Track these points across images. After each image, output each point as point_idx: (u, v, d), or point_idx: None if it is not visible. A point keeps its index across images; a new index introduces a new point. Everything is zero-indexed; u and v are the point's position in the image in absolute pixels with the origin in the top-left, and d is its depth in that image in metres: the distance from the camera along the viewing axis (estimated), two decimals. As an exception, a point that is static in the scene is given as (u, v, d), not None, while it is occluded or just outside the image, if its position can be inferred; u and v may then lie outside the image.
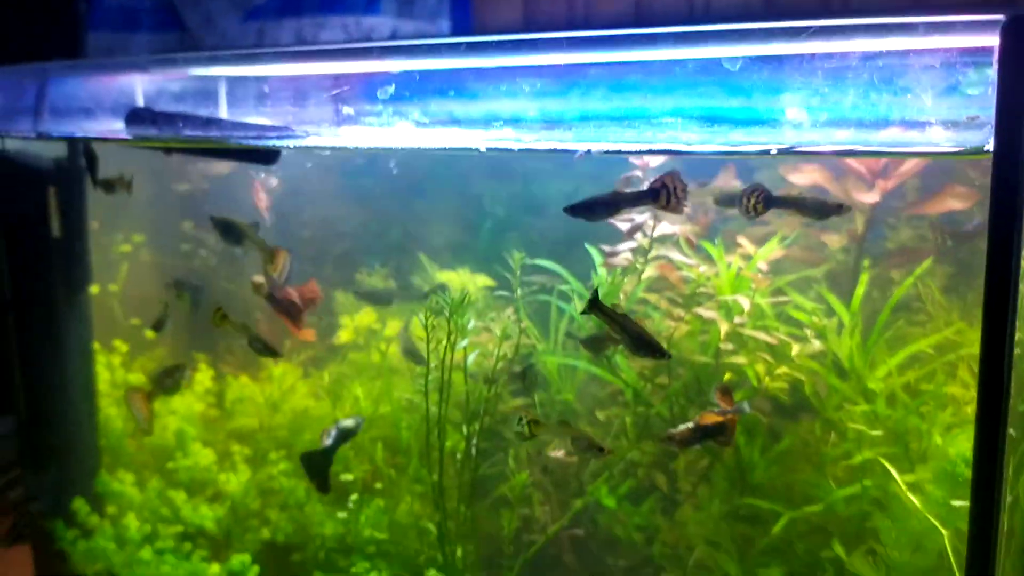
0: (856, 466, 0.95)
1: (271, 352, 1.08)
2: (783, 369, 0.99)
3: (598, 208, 0.90)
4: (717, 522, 1.07)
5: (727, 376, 1.03)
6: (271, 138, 0.98)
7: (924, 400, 0.95)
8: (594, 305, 0.87)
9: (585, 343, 1.04)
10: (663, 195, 0.89)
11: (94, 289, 1.35)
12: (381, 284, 1.31)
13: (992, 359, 0.70)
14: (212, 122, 1.00)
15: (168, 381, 1.19)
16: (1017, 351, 0.74)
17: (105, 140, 1.18)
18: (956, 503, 0.82)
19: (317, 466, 1.03)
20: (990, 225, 0.70)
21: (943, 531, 0.83)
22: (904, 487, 0.89)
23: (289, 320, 1.10)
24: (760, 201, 0.90)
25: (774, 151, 0.85)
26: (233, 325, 1.07)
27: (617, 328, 0.88)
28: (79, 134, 1.31)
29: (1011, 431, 0.75)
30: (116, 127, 1.25)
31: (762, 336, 1.00)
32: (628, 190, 0.93)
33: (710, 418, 0.91)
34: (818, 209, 0.91)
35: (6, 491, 1.98)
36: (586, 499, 1.10)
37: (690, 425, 0.92)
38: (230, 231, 1.14)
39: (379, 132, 0.97)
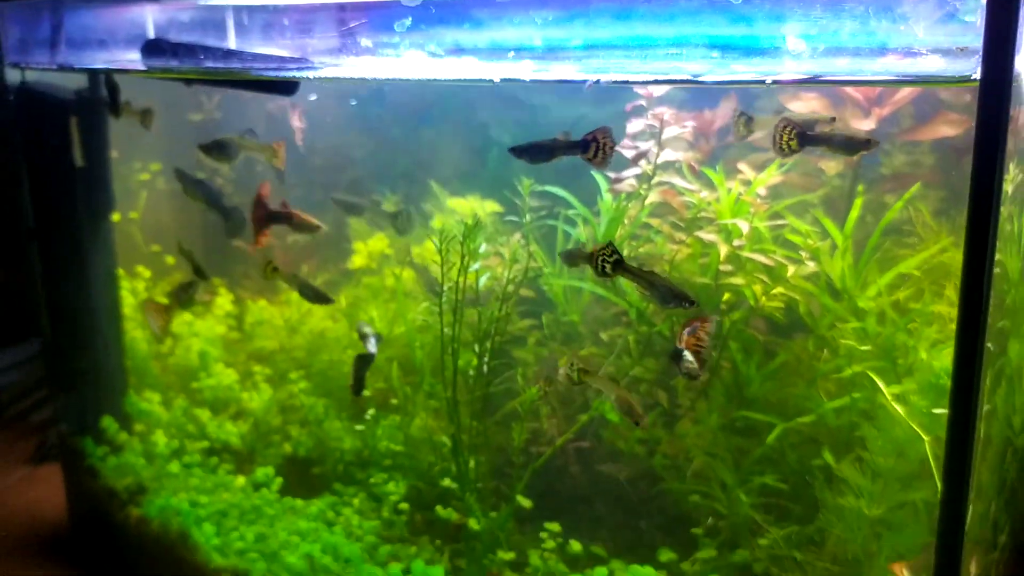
0: (846, 380, 1.01)
1: (323, 299, 1.12)
2: (779, 289, 1.04)
3: (537, 152, 0.98)
4: (715, 434, 1.13)
5: (726, 296, 1.08)
6: (291, 69, 1.02)
7: (912, 318, 1.00)
8: (619, 266, 0.92)
9: (562, 255, 1.07)
10: (592, 147, 0.94)
11: (115, 217, 1.39)
12: (392, 209, 1.35)
13: (973, 277, 0.75)
14: (232, 54, 1.04)
15: (183, 295, 1.24)
16: (997, 271, 0.79)
17: (127, 72, 1.21)
18: (937, 411, 0.88)
19: (363, 367, 1.09)
20: (975, 150, 0.74)
21: (925, 438, 0.89)
22: (890, 398, 0.95)
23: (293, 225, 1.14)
24: (793, 138, 0.94)
25: (769, 81, 0.89)
26: (283, 277, 1.11)
27: (645, 284, 0.93)
28: (96, 65, 1.35)
29: (989, 345, 0.81)
30: (131, 58, 1.29)
31: (759, 258, 1.04)
32: (565, 140, 0.97)
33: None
34: (848, 144, 0.94)
35: (31, 413, 2.06)
36: (591, 414, 1.16)
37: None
38: (223, 148, 1.18)
39: (395, 63, 1.01)
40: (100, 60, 1.37)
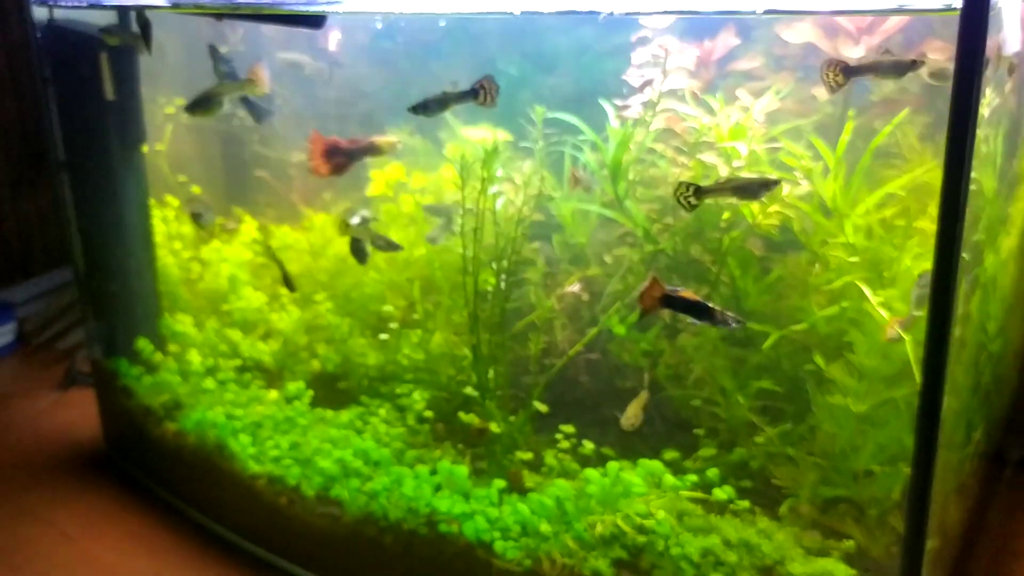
0: (836, 291, 1.10)
1: (393, 247, 1.21)
2: (775, 208, 1.12)
3: (432, 105, 1.10)
4: (715, 344, 1.23)
5: (726, 215, 1.16)
6: (319, 3, 1.08)
7: (897, 233, 1.08)
8: (700, 192, 1.01)
9: None
10: (481, 94, 1.09)
11: (143, 148, 1.46)
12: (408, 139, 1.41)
13: (950, 193, 0.83)
14: (268, -10, 1.11)
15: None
16: (973, 188, 0.87)
17: (155, 8, 1.27)
18: (917, 314, 0.96)
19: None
20: (955, 78, 0.82)
21: (906, 338, 0.98)
22: (876, 306, 1.04)
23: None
24: (840, 72, 1.01)
25: (760, 11, 0.96)
26: (357, 231, 1.20)
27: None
28: (125, 1, 1.41)
29: (964, 255, 0.89)
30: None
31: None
32: (454, 91, 1.09)
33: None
34: (896, 67, 1.01)
35: (57, 340, 2.15)
36: (599, 327, 1.25)
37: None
38: (206, 102, 1.25)
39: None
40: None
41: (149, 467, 1.55)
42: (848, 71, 1.01)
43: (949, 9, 0.81)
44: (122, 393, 1.56)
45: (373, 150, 1.14)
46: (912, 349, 0.98)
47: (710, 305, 1.03)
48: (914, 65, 0.98)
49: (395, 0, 1.06)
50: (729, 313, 1.02)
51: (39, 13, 1.45)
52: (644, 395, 1.15)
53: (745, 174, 1.09)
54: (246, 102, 1.31)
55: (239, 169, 1.57)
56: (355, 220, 1.21)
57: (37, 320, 2.20)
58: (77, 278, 1.60)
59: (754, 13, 1.02)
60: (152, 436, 1.50)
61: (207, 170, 1.55)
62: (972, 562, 1.32)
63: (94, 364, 1.64)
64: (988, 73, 0.86)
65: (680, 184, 1.02)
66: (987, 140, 0.95)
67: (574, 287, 1.29)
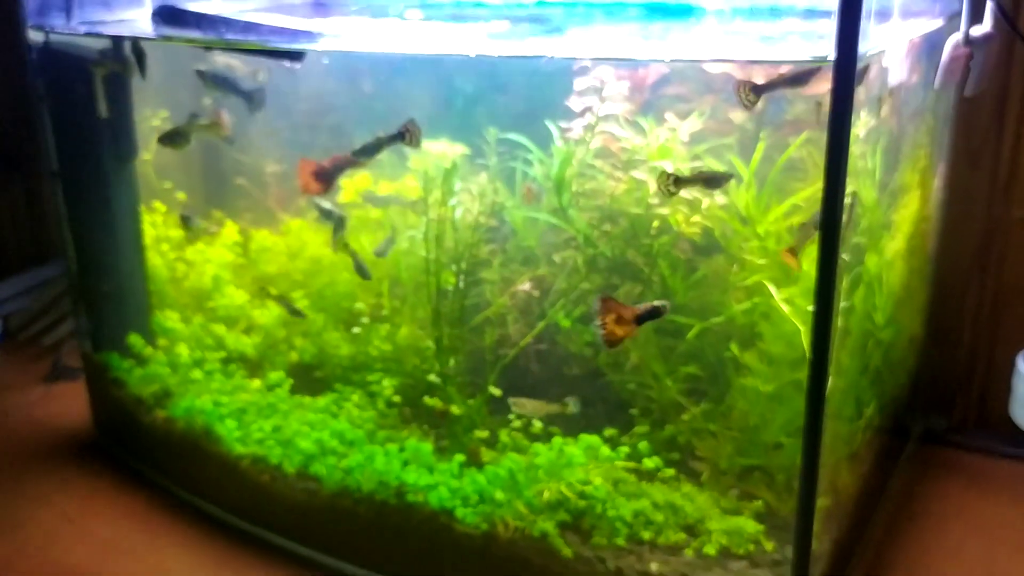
0: (750, 287, 1.27)
1: (364, 275, 1.39)
2: (697, 218, 1.29)
3: (371, 150, 1.27)
4: (648, 335, 1.40)
5: (655, 223, 1.33)
6: (300, 41, 1.23)
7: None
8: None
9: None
10: (407, 136, 1.25)
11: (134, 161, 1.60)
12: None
13: (829, 203, 1.00)
14: (251, 27, 1.24)
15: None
16: (848, 200, 1.05)
17: (152, 39, 1.41)
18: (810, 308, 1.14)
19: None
20: (831, 111, 0.98)
21: (802, 329, 1.16)
22: (780, 301, 1.21)
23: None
24: (750, 91, 1.17)
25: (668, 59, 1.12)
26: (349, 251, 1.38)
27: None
28: (110, 30, 1.54)
29: (845, 256, 1.07)
30: (129, 16, 1.49)
31: (682, 192, 1.30)
32: (386, 136, 1.26)
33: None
34: (792, 81, 1.17)
35: (42, 336, 2.27)
36: (547, 321, 1.42)
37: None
38: (176, 137, 1.41)
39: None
40: (106, 20, 1.56)
41: (140, 452, 1.69)
42: (757, 89, 1.18)
43: (825, 61, 0.98)
44: (113, 384, 1.70)
45: (354, 164, 1.29)
46: (807, 337, 1.16)
47: (658, 304, 1.20)
48: (810, 74, 1.15)
49: (364, 42, 1.21)
50: (659, 303, 1.20)
51: (35, 37, 1.58)
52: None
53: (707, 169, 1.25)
54: (239, 90, 1.44)
55: (220, 176, 1.70)
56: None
57: (22, 317, 2.32)
58: (70, 278, 1.73)
59: (663, 61, 1.21)
60: (143, 423, 1.64)
61: (190, 177, 1.69)
62: (874, 522, 1.51)
63: (85, 358, 1.78)
64: (863, 96, 1.04)
65: (662, 174, 1.18)
66: (864, 156, 1.13)
67: (525, 285, 1.45)
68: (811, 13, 1.21)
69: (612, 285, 1.40)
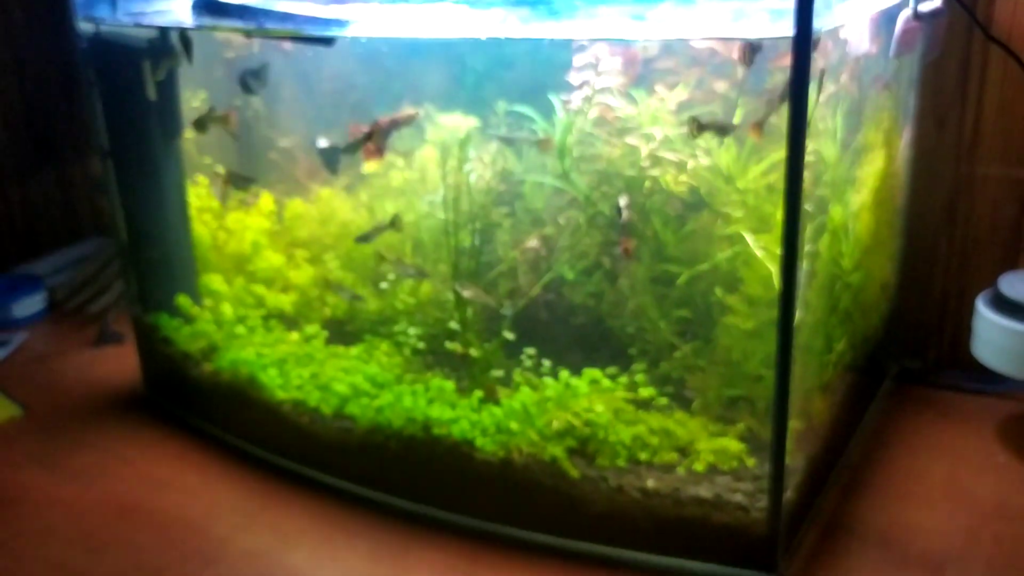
0: (731, 237, 1.43)
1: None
2: (684, 177, 1.45)
3: (350, 149, 1.44)
4: (644, 284, 1.56)
5: (647, 183, 1.49)
6: (332, 28, 1.39)
7: (776, 194, 1.42)
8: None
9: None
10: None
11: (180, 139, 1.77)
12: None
13: (792, 160, 1.16)
14: (288, 17, 1.41)
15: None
16: (811, 158, 1.21)
17: (198, 29, 1.57)
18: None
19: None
20: (791, 82, 1.14)
21: (774, 272, 1.32)
22: (756, 249, 1.38)
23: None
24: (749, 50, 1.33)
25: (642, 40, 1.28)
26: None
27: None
28: (154, 19, 1.70)
29: (807, 207, 1.23)
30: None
31: (670, 155, 1.46)
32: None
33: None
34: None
35: (87, 305, 2.45)
36: (553, 274, 1.58)
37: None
38: (202, 123, 1.60)
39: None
40: (146, 10, 1.73)
41: (188, 403, 1.87)
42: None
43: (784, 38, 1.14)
44: (162, 343, 1.88)
45: (400, 124, 1.45)
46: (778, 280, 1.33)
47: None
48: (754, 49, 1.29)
49: (385, 28, 1.38)
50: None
51: (86, 28, 1.75)
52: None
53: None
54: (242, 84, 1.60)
55: (254, 151, 1.87)
56: None
57: (66, 288, 2.50)
58: (119, 248, 1.91)
59: (638, 41, 1.38)
60: (191, 377, 1.82)
61: (227, 153, 1.85)
62: (851, 448, 1.68)
63: (135, 320, 1.95)
64: (822, 65, 1.20)
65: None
66: (824, 118, 1.30)
67: (533, 243, 1.61)
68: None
69: (611, 241, 1.56)
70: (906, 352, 1.95)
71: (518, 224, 1.61)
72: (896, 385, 1.90)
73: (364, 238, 1.57)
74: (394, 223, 1.54)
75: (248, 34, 1.49)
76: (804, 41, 1.11)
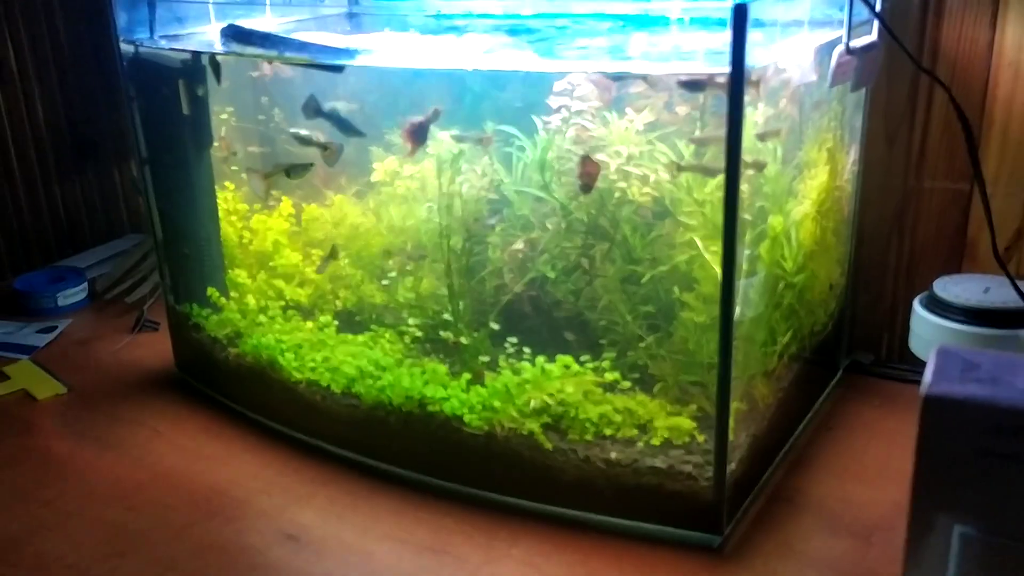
0: (689, 242, 1.64)
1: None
2: (648, 189, 1.66)
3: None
4: (615, 283, 1.77)
5: (617, 194, 1.70)
6: (341, 57, 1.61)
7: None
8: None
9: None
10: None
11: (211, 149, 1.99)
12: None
13: (730, 176, 1.37)
14: (305, 46, 1.63)
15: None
16: (751, 172, 1.41)
17: (225, 54, 1.79)
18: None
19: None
20: (728, 114, 1.35)
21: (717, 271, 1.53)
22: (707, 253, 1.58)
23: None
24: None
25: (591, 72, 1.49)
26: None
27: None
28: (187, 43, 1.93)
29: (747, 216, 1.43)
30: (198, 30, 1.87)
31: (636, 170, 1.67)
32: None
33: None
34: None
35: (125, 295, 2.68)
36: (535, 273, 1.79)
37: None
38: (305, 140, 1.80)
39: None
40: (180, 33, 1.95)
41: (215, 383, 2.10)
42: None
43: (724, 74, 1.35)
44: (193, 329, 2.11)
45: (435, 118, 1.64)
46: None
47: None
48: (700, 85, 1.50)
49: (389, 58, 1.60)
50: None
51: (126, 48, 1.98)
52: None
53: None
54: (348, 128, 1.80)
55: (274, 161, 2.10)
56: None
57: (106, 280, 2.74)
58: (156, 245, 2.14)
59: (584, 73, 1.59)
60: (218, 359, 2.05)
61: (251, 162, 2.08)
62: (801, 433, 1.89)
63: (168, 309, 2.18)
64: (760, 93, 1.41)
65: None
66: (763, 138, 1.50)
67: (519, 245, 1.83)
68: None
69: (588, 244, 1.77)
70: (859, 346, 2.16)
71: (507, 228, 1.82)
72: (848, 376, 2.10)
73: (319, 270, 1.80)
74: (333, 253, 1.79)
75: (269, 60, 1.71)
76: (738, 79, 1.32)
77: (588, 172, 1.63)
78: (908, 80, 1.97)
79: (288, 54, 1.64)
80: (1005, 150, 1.94)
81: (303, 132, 1.85)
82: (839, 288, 2.01)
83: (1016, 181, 1.94)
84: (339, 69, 1.64)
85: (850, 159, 1.92)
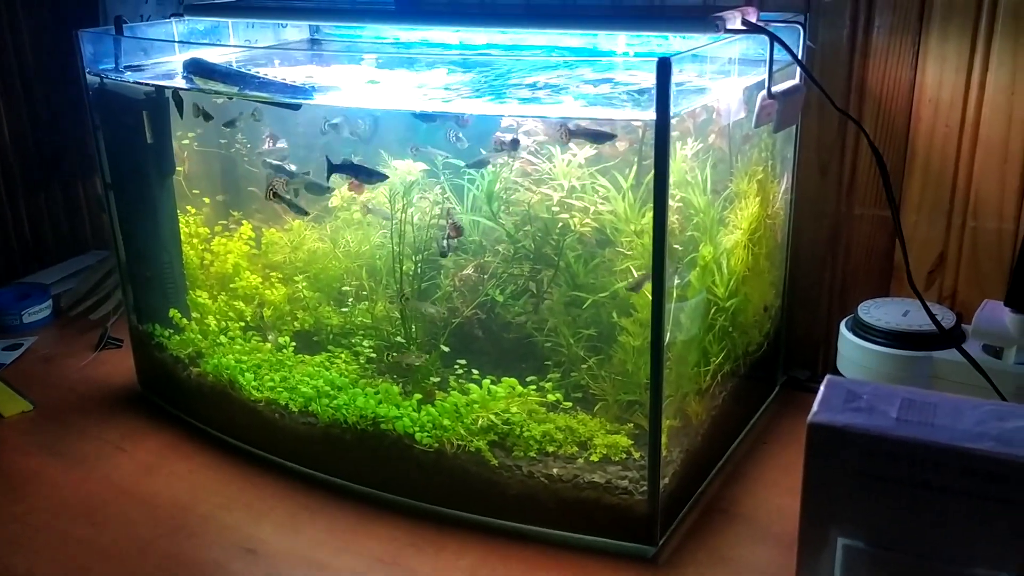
0: (626, 269, 1.74)
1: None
2: (588, 220, 1.77)
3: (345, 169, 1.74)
4: (560, 307, 1.87)
5: (560, 225, 1.80)
6: (299, 96, 1.70)
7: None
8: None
9: None
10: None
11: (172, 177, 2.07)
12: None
13: (657, 209, 1.47)
14: (264, 84, 1.71)
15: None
16: (679, 204, 1.52)
17: (187, 89, 1.87)
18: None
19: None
20: (655, 152, 1.45)
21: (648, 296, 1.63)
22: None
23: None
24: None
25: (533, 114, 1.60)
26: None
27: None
28: (148, 76, 2.00)
29: (677, 246, 1.54)
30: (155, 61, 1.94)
31: (578, 202, 1.77)
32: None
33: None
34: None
35: (89, 312, 2.74)
36: (482, 297, 1.88)
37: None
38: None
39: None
40: (144, 63, 2.03)
41: (177, 401, 2.16)
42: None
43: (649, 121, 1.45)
44: (155, 348, 2.18)
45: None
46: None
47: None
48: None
49: (342, 98, 1.69)
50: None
51: (92, 79, 2.05)
52: None
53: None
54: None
55: (236, 184, 2.18)
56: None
57: (71, 297, 2.79)
58: (119, 266, 2.21)
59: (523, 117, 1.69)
60: (179, 378, 2.12)
61: (213, 185, 2.16)
62: (738, 447, 2.00)
63: (131, 328, 2.25)
64: (689, 126, 1.52)
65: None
66: (692, 170, 1.61)
67: (469, 270, 1.92)
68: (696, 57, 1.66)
69: (535, 269, 1.87)
70: (797, 363, 2.27)
71: (458, 254, 1.92)
72: (784, 391, 2.22)
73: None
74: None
75: (229, 97, 1.79)
76: (663, 124, 1.42)
77: (451, 234, 1.76)
78: (838, 115, 2.09)
79: (248, 91, 1.71)
80: (927, 180, 2.07)
81: (274, 160, 1.93)
82: (774, 309, 2.13)
83: (937, 209, 2.07)
84: (296, 107, 1.72)
85: (782, 188, 2.03)
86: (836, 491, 0.99)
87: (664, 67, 1.33)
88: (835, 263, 2.22)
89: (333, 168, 1.81)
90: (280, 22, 2.36)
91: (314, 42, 2.47)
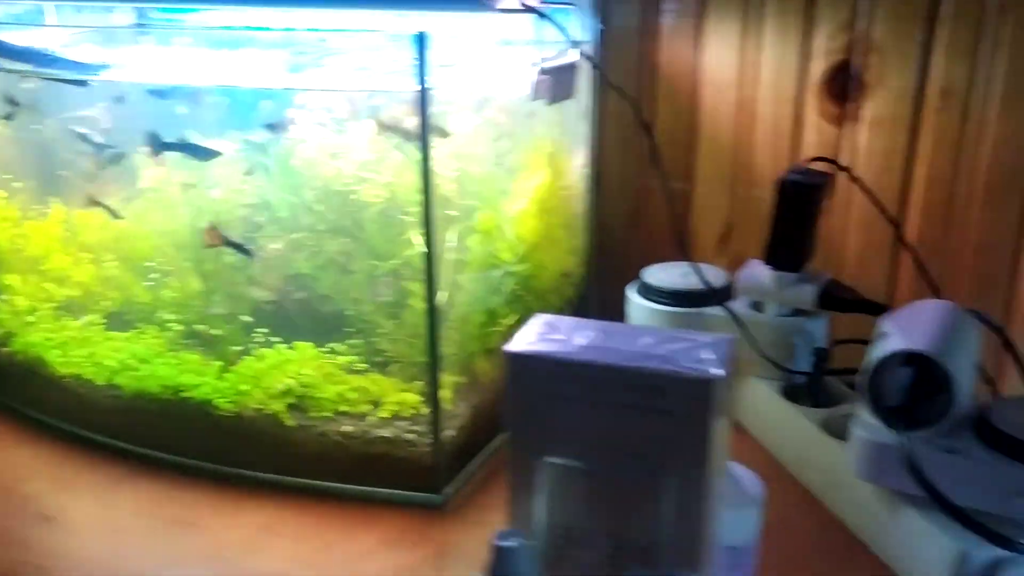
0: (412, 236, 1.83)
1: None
2: (377, 191, 1.85)
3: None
4: (361, 276, 1.95)
5: (353, 196, 1.89)
6: (88, 72, 1.73)
7: (444, 202, 1.83)
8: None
9: None
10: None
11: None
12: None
13: (424, 178, 1.57)
14: (55, 60, 1.74)
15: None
16: (454, 173, 1.62)
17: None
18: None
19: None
20: (420, 128, 1.55)
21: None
22: (421, 248, 1.78)
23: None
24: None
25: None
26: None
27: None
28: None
29: (453, 212, 1.64)
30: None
31: (366, 175, 1.85)
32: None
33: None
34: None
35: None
36: (290, 270, 1.95)
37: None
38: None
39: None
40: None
41: (-12, 378, 2.18)
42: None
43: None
44: (-35, 328, 2.18)
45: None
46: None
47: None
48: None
49: (135, 73, 1.75)
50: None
51: None
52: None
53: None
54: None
55: (50, 168, 2.19)
56: None
57: None
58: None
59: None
60: (-9, 359, 2.13)
61: (25, 169, 2.17)
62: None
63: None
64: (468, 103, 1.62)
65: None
66: (469, 144, 1.72)
67: (276, 245, 1.99)
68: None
69: (339, 241, 1.95)
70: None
71: (266, 229, 1.98)
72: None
73: None
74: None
75: (22, 74, 1.82)
76: (424, 96, 1.52)
77: (209, 239, 1.84)
78: (635, 91, 2.22)
79: (36, 68, 1.75)
80: (713, 154, 2.22)
81: (83, 130, 1.95)
82: (577, 276, 2.25)
83: (722, 181, 2.23)
84: (82, 83, 1.76)
85: (577, 162, 2.16)
86: (534, 414, 1.09)
87: (421, 41, 1.42)
88: (637, 233, 2.35)
89: (164, 146, 1.85)
90: (107, 4, 2.38)
91: (140, 26, 2.49)
